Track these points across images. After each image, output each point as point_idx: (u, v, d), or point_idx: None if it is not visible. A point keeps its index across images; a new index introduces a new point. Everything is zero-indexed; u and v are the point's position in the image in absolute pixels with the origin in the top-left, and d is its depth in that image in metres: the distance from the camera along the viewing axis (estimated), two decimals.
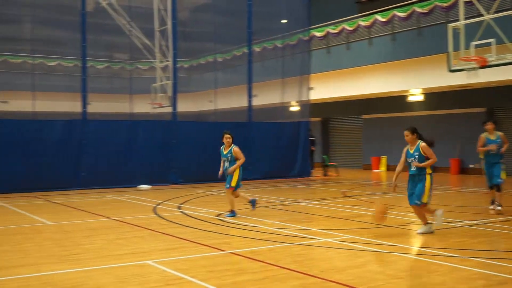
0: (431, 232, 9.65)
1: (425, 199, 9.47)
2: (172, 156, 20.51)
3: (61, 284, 6.61)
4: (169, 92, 22.53)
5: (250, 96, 22.95)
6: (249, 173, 21.63)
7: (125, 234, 10.15)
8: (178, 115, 21.41)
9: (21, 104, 20.15)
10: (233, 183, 12.00)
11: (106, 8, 23.27)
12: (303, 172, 23.73)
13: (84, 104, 19.64)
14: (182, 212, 13.10)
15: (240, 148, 12.32)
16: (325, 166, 25.92)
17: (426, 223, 9.71)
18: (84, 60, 20.00)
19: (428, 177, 9.46)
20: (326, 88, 26.59)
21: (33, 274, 7.10)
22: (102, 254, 8.37)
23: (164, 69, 24.26)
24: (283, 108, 24.50)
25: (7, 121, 18.70)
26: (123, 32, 23.85)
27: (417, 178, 9.52)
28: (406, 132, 9.57)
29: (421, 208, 9.62)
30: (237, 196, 12.26)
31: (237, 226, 10.74)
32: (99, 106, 21.62)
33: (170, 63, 22.73)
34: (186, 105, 24.25)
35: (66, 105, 20.69)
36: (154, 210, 13.52)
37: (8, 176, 17.80)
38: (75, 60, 22.23)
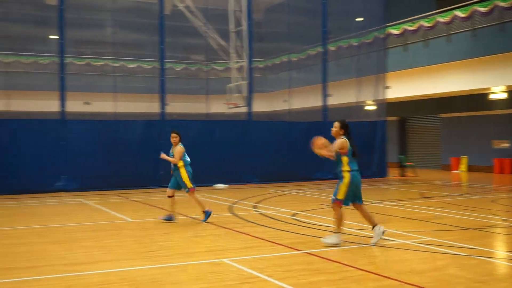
0: (334, 245, 8.68)
1: (340, 196, 8.75)
2: (247, 155, 20.67)
3: (140, 279, 6.80)
4: (244, 92, 22.73)
5: (325, 95, 22.79)
6: (324, 173, 21.52)
7: (202, 232, 10.31)
8: (253, 115, 21.57)
9: (103, 105, 20.89)
10: (189, 185, 11.44)
11: (183, 10, 23.76)
12: (379, 172, 23.34)
13: (163, 104, 20.14)
14: (257, 211, 13.18)
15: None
16: (402, 166, 25.38)
17: (336, 232, 8.85)
18: (163, 62, 20.51)
19: (346, 175, 8.73)
20: (403, 87, 26.02)
21: (113, 270, 7.34)
22: (179, 251, 8.54)
23: (239, 69, 24.50)
24: (358, 107, 24.18)
25: (90, 122, 19.44)
26: (199, 34, 24.27)
27: (339, 175, 8.90)
28: (335, 124, 8.88)
29: (335, 205, 8.79)
30: (171, 197, 11.55)
31: (312, 226, 10.69)
32: (177, 106, 22.08)
33: (245, 63, 22.93)
34: (261, 105, 24.41)
35: (145, 106, 21.29)
36: (230, 209, 13.67)
37: (91, 174, 18.51)
38: (153, 62, 22.81)
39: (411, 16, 25.33)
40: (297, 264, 7.54)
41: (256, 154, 20.75)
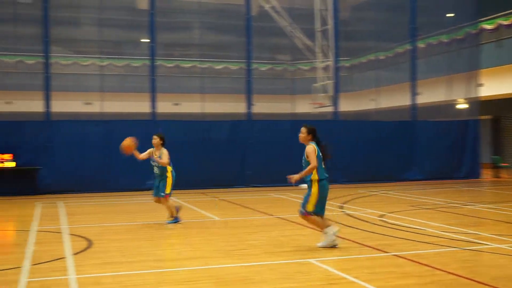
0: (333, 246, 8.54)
1: (309, 207, 8.46)
2: (334, 155, 20.47)
3: (227, 278, 6.90)
4: (330, 92, 22.57)
5: (413, 94, 22.22)
6: (412, 174, 20.99)
7: (288, 231, 10.33)
8: (339, 114, 21.37)
9: (191, 106, 21.38)
10: (167, 190, 11.27)
11: (269, 11, 23.91)
12: (472, 173, 22.46)
13: (249, 105, 20.37)
14: (344, 212, 13.04)
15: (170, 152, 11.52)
16: (496, 167, 24.32)
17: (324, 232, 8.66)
18: (249, 63, 20.76)
19: (315, 185, 8.45)
20: (497, 84, 24.88)
21: (201, 267, 7.49)
22: (266, 250, 8.60)
23: (325, 69, 24.35)
24: (449, 106, 23.39)
25: (179, 122, 19.96)
26: (285, 34, 24.34)
27: (308, 184, 8.55)
28: (302, 129, 8.65)
29: (305, 217, 8.58)
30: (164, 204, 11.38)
31: (401, 228, 10.45)
32: (263, 106, 22.25)
33: (331, 62, 22.76)
34: (347, 104, 24.13)
35: (232, 106, 21.61)
36: None
37: (180, 173, 18.97)
38: (240, 63, 23.09)
39: (506, 10, 24.20)
40: (385, 267, 7.39)
41: (343, 154, 20.51)
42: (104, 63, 22.64)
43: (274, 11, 24.07)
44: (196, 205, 14.56)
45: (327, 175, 8.61)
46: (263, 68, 27.15)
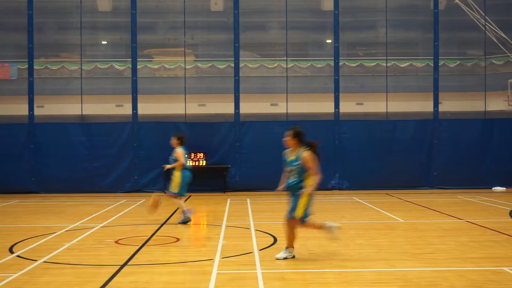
0: (292, 257, 7.96)
1: (298, 213, 7.77)
2: None
3: (415, 281, 6.69)
4: None
5: None
6: None
7: (478, 237, 9.74)
8: None
9: (375, 105, 21.10)
10: (175, 190, 11.44)
11: (459, 4, 22.72)
12: None
13: (436, 103, 19.62)
14: None
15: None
16: None
17: (288, 246, 8.02)
18: (436, 59, 19.99)
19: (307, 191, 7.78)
20: None
21: (387, 269, 7.35)
22: (455, 255, 8.18)
23: None
24: None
25: (362, 122, 19.79)
26: (476, 27, 22.95)
27: (296, 191, 7.84)
28: (287, 133, 7.94)
29: (293, 222, 7.86)
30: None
31: None
32: (451, 105, 21.28)
33: None
34: None
35: (418, 105, 20.95)
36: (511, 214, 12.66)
37: (362, 173, 18.88)
38: (426, 60, 22.30)
39: None
40: None
41: None
42: (289, 65, 23.23)
43: (464, 3, 22.82)
44: (380, 206, 14.33)
45: None
46: (451, 64, 25.86)
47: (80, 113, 19.95)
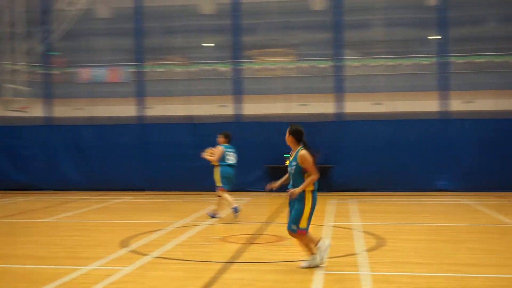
0: (316, 266, 7.29)
1: (303, 224, 7.15)
2: None
3: None
4: None
5: None
6: None
7: None
8: None
9: (485, 103, 20.22)
10: (218, 183, 12.06)
11: None
12: None
13: None
14: None
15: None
16: None
17: (312, 253, 7.38)
18: None
19: (308, 196, 7.18)
20: None
21: (497, 275, 7.01)
22: None
23: None
24: None
25: (471, 121, 19.02)
26: None
27: (298, 196, 7.21)
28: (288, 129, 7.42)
29: (299, 235, 7.23)
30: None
31: None
32: None
33: None
34: None
35: None
36: None
37: (472, 174, 18.08)
38: None
39: None
40: None
41: None
42: (392, 63, 22.74)
43: None
44: (492, 209, 13.68)
45: (317, 185, 7.48)
46: None
47: (185, 114, 20.58)
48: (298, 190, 7.17)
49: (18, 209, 14.62)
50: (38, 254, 8.63)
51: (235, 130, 19.14)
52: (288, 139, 7.44)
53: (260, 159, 18.65)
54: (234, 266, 7.59)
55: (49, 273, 7.27)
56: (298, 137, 7.37)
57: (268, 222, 11.81)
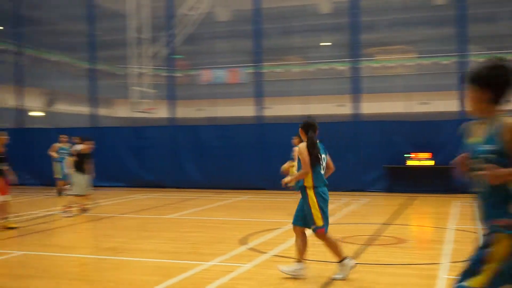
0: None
1: (319, 222, 6.78)
2: None
3: None
4: None
5: None
6: None
7: None
8: None
9: None
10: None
11: None
12: None
13: None
14: None
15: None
16: None
17: (342, 259, 6.86)
18: None
19: (310, 193, 6.80)
20: None
21: None
22: None
23: None
24: None
25: None
26: None
27: (302, 194, 6.93)
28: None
29: (319, 234, 6.86)
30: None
31: None
32: None
33: None
34: None
35: None
36: None
37: None
38: None
39: None
40: None
41: None
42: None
43: None
44: None
45: (324, 182, 6.95)
46: None
47: (303, 114, 20.63)
48: (287, 179, 7.13)
49: (144, 206, 15.38)
50: (163, 248, 9.04)
51: (353, 129, 18.96)
52: (300, 131, 7.13)
53: (379, 159, 18.25)
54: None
55: (175, 267, 7.60)
56: (306, 130, 7.01)
57: (387, 224, 11.55)
